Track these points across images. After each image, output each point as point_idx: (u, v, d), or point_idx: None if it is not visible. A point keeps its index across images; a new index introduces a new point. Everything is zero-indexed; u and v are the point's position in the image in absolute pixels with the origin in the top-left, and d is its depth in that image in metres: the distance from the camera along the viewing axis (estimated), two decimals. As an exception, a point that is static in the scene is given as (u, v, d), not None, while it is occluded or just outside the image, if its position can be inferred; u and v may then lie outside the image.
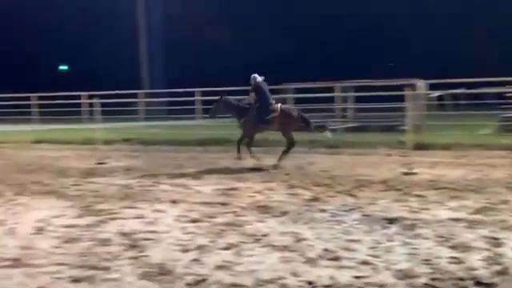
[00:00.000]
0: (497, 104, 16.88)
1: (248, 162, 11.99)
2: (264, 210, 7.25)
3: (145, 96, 20.41)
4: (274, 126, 11.57)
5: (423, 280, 4.53)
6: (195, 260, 5.18)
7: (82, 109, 17.80)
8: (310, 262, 5.08)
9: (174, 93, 18.81)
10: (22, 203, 8.15)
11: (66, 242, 5.94)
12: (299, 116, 11.44)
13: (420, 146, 13.42)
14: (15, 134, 19.17)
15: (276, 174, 10.31)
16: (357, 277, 4.64)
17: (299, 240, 5.80)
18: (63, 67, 48.42)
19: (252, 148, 11.73)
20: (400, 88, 12.40)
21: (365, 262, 5.01)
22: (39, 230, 6.46)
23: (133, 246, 5.68)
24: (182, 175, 10.41)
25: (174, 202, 7.91)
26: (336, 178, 9.79)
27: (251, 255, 5.31)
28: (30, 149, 16.43)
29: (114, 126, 17.84)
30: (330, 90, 16.50)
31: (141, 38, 32.00)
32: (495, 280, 4.51)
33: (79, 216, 7.19)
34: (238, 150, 11.53)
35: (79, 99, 18.01)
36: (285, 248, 5.52)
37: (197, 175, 10.33)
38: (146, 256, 5.35)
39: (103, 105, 14.41)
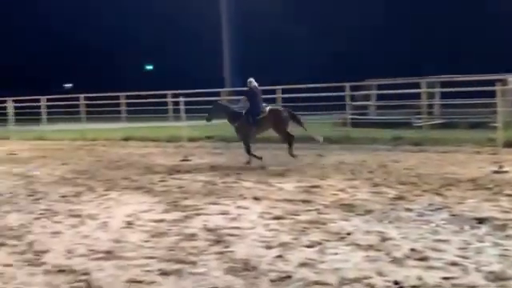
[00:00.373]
0: None
1: (330, 159, 11.92)
2: (348, 208, 7.17)
3: (227, 94, 20.67)
4: (265, 126, 11.91)
5: (517, 283, 4.33)
6: (279, 257, 5.20)
7: (167, 107, 18.32)
8: (397, 261, 4.97)
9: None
10: (113, 198, 8.51)
11: (154, 236, 6.14)
12: (288, 115, 11.75)
13: (511, 144, 12.78)
14: (105, 132, 20.04)
15: (359, 173, 10.16)
16: (445, 278, 4.50)
17: (385, 239, 5.69)
18: (149, 67, 49.99)
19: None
20: (490, 83, 11.86)
21: (454, 263, 4.84)
22: (129, 224, 6.72)
23: (218, 242, 5.78)
24: (264, 172, 10.48)
25: (256, 198, 7.98)
26: (422, 177, 9.51)
27: (335, 253, 5.27)
28: (119, 146, 17.10)
29: (198, 123, 18.18)
30: (415, 86, 16.04)
31: (223, 36, 32.46)
32: None
33: (166, 211, 7.41)
34: (251, 155, 11.80)
35: (165, 98, 18.53)
36: (370, 247, 5.43)
37: (279, 172, 10.36)
38: (230, 251, 5.43)
39: (187, 103, 14.75)
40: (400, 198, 7.76)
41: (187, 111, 14.64)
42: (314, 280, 4.56)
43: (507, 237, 5.60)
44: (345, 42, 36.39)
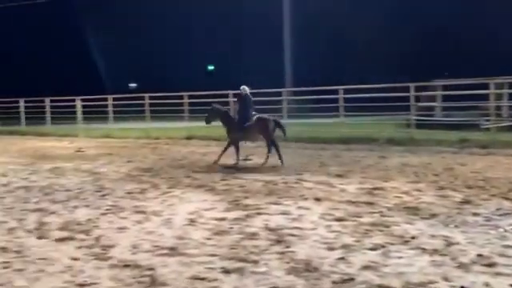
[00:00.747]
0: None
1: (393, 161, 11.71)
2: (412, 211, 7.02)
3: (288, 94, 20.63)
4: (252, 133, 12.27)
5: None
6: (341, 259, 5.15)
7: (229, 107, 18.47)
8: (463, 267, 4.83)
9: (316, 91, 18.87)
10: (176, 195, 8.66)
11: (216, 233, 6.21)
12: (274, 124, 12.20)
13: None
14: (168, 131, 20.44)
15: (424, 175, 9.91)
16: (515, 285, 4.33)
17: (450, 244, 5.54)
18: (210, 67, 50.62)
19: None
20: None
21: (525, 271, 4.66)
22: (192, 222, 6.83)
23: (279, 241, 5.79)
24: (326, 173, 10.39)
25: (317, 199, 7.93)
26: (490, 180, 9.19)
27: (399, 257, 5.17)
28: (182, 145, 17.39)
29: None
30: (483, 86, 15.49)
31: (285, 36, 32.44)
32: None
33: (227, 210, 7.48)
34: (220, 155, 12.28)
35: (226, 98, 18.71)
36: (435, 251, 5.30)
37: (340, 173, 10.25)
38: (292, 252, 5.42)
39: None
40: (466, 202, 7.53)
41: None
42: (377, 283, 4.49)
43: None
44: (409, 41, 35.63)
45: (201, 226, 6.58)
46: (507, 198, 7.68)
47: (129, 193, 8.99)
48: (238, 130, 12.23)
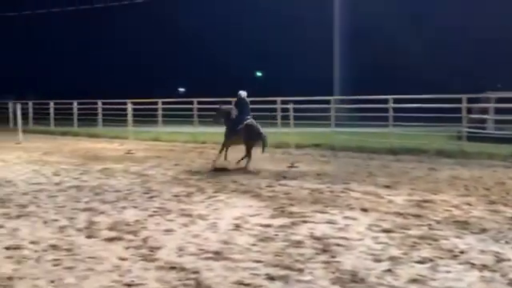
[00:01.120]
0: None
1: (443, 173, 11.47)
2: (462, 225, 6.85)
3: (336, 102, 20.50)
4: (239, 137, 12.68)
5: None
6: (388, 271, 5.07)
7: (277, 113, 18.51)
8: (514, 284, 4.68)
9: (366, 99, 18.68)
10: (222, 200, 8.73)
11: (261, 240, 6.22)
12: (259, 131, 12.53)
13: None
14: (215, 136, 20.51)
15: (474, 189, 9.65)
16: None
17: (501, 260, 5.39)
18: (258, 73, 50.83)
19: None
20: None
21: None
22: (237, 227, 6.86)
23: (324, 251, 5.75)
24: (373, 183, 10.26)
25: (364, 210, 7.83)
26: (545, 197, 8.87)
27: (448, 271, 5.06)
28: (229, 150, 17.45)
29: (306, 130, 18.23)
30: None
31: (334, 45, 32.26)
32: None
33: (273, 216, 7.48)
34: (224, 157, 12.98)
35: (274, 104, 18.73)
36: (484, 267, 5.17)
37: (388, 184, 10.09)
38: (337, 262, 5.37)
39: (296, 110, 14.81)
40: (520, 218, 7.30)
41: (295, 118, 14.70)
42: (424, 298, 4.40)
43: None
44: (462, 53, 34.88)
45: (246, 232, 6.61)
46: None
47: (176, 195, 9.11)
48: (231, 132, 12.88)
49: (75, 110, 26.82)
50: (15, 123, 23.28)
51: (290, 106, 14.37)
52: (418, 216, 7.37)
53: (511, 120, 15.90)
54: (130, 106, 18.77)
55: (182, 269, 5.21)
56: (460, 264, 5.30)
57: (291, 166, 12.74)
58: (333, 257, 5.53)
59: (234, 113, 13.15)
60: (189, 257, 5.61)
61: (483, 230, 6.58)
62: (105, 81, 43.60)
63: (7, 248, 6.04)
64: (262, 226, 6.89)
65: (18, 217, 7.66)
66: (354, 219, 7.23)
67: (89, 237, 6.49)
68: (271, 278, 4.91)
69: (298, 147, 15.52)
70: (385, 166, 12.71)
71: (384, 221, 7.09)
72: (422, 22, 36.47)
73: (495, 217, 7.37)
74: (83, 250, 5.90)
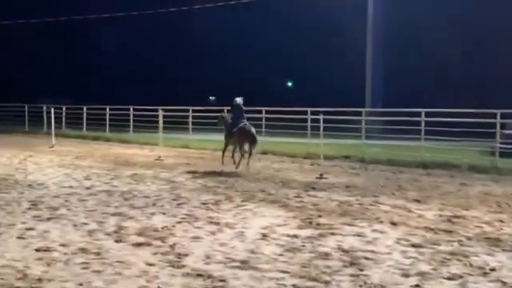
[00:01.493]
0: None
1: (474, 189, 11.27)
2: (493, 242, 6.71)
3: (367, 114, 20.34)
4: (235, 139, 14.05)
5: None
6: (417, 286, 5.01)
7: (306, 124, 18.48)
8: (548, 306, 4.55)
9: (397, 112, 18.51)
10: (249, 209, 8.73)
11: (288, 250, 6.20)
12: (250, 131, 13.77)
13: None
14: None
15: (507, 206, 9.45)
16: None
17: (534, 280, 5.25)
18: (289, 83, 50.92)
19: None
20: None
21: None
22: (264, 236, 6.85)
23: (352, 264, 5.69)
24: (403, 197, 10.12)
25: (394, 223, 7.74)
26: None
27: (478, 289, 4.96)
28: (256, 159, 17.46)
29: (335, 142, 18.13)
30: None
31: (367, 57, 32.01)
32: None
33: (300, 227, 7.45)
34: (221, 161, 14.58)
35: (305, 114, 18.70)
36: (517, 286, 5.04)
37: (418, 198, 9.93)
38: (365, 275, 5.32)
39: (326, 121, 14.76)
40: (555, 236, 7.11)
41: (325, 129, 14.65)
42: (454, 315, 4.32)
43: None
44: (499, 67, 34.27)
45: (273, 242, 6.59)
46: None
47: (204, 203, 9.15)
48: (229, 135, 14.36)
49: (107, 116, 27.20)
50: (49, 127, 23.73)
51: (320, 117, 14.32)
52: (448, 231, 7.25)
53: None
54: (161, 113, 18.95)
55: (209, 276, 5.22)
56: (490, 282, 5.19)
57: (320, 177, 12.67)
58: (360, 270, 5.48)
59: (229, 118, 14.65)
60: (216, 265, 5.62)
61: (516, 248, 6.44)
62: (139, 88, 44.27)
63: (37, 250, 6.15)
64: (289, 236, 6.87)
65: (49, 219, 7.79)
66: (382, 233, 7.15)
67: (117, 241, 6.56)
68: (298, 289, 4.88)
69: (327, 158, 15.42)
70: (415, 180, 12.54)
71: (413, 235, 6.99)
72: (460, 34, 35.95)
73: (529, 235, 7.20)
74: (111, 254, 5.97)
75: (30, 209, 8.55)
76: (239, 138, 13.86)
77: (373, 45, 32.15)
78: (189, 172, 13.47)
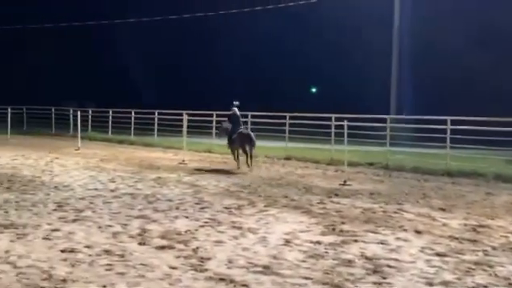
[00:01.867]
0: None
1: (500, 199, 11.10)
2: (519, 252, 6.60)
3: (392, 121, 20.18)
4: (235, 144, 15.43)
5: None
6: (440, 296, 4.94)
7: (330, 130, 18.42)
8: None
9: (423, 119, 18.34)
10: (272, 214, 8.73)
11: (311, 256, 6.18)
12: (249, 135, 15.52)
13: None
14: (267, 150, 20.58)
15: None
16: None
17: (562, 293, 5.15)
18: (313, 89, 50.83)
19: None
20: None
21: None
22: (287, 242, 6.85)
23: (375, 271, 5.66)
24: (428, 205, 10.01)
25: (418, 232, 7.66)
26: None
27: (504, 301, 4.88)
28: (280, 164, 17.47)
29: (359, 148, 18.04)
30: None
31: (393, 64, 31.79)
32: None
33: (323, 234, 7.42)
34: (236, 161, 15.58)
35: (329, 121, 18.65)
36: (543, 299, 4.95)
37: (443, 207, 9.81)
38: (388, 283, 5.28)
39: (350, 127, 14.68)
40: None
41: (350, 135, 14.58)
42: (478, 326, 4.26)
43: None
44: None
45: (296, 248, 6.58)
46: None
47: (227, 208, 9.18)
48: (230, 141, 15.64)
49: (132, 119, 27.46)
50: (75, 129, 24.06)
51: (345, 123, 14.25)
52: (473, 241, 7.15)
53: None
54: (185, 117, 19.07)
55: (231, 281, 5.23)
56: (516, 293, 5.11)
57: (344, 184, 12.61)
58: (384, 278, 5.43)
59: (229, 126, 15.89)
60: (238, 269, 5.63)
61: (542, 259, 6.32)
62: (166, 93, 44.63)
63: (62, 251, 6.23)
64: (312, 242, 6.85)
65: (74, 221, 7.90)
66: (406, 241, 7.09)
67: (141, 244, 6.61)
68: (320, 296, 4.86)
69: (351, 165, 15.34)
70: (440, 188, 12.40)
71: (438, 244, 6.91)
72: (487, 41, 35.46)
73: (556, 246, 7.07)
74: (135, 257, 6.02)
75: (55, 210, 8.69)
76: (240, 141, 15.22)
77: (398, 52, 31.92)
78: (212, 176, 13.52)
